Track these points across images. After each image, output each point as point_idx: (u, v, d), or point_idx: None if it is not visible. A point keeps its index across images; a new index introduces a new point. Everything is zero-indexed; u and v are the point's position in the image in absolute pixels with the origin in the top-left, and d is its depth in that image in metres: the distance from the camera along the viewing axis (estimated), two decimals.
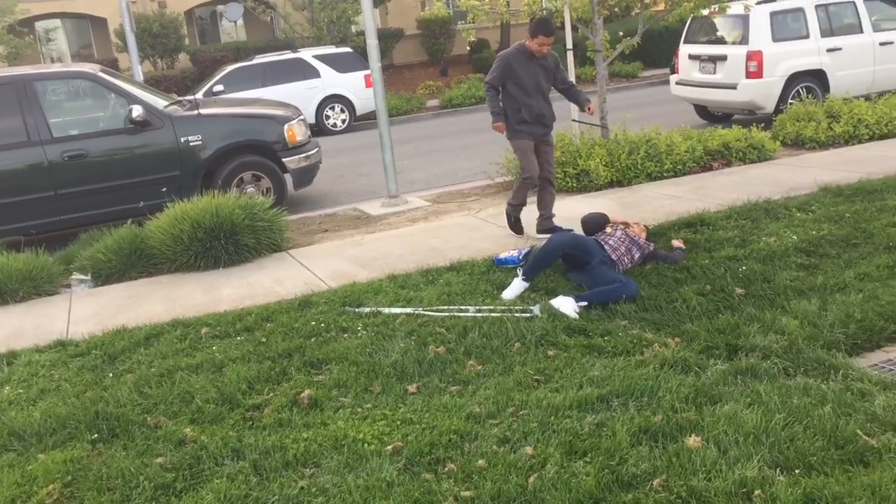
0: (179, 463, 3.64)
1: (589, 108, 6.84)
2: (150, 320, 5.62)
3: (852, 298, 4.84)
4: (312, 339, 4.90)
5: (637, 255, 5.70)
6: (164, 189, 8.30)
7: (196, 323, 5.41)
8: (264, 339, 4.97)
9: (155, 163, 8.47)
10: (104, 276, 6.92)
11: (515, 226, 7.05)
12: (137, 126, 8.38)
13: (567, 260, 5.58)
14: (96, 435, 4.01)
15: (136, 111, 8.29)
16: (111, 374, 4.71)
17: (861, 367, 4.13)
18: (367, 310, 5.30)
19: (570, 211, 7.73)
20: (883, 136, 9.64)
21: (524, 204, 6.99)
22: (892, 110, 9.89)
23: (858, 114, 9.77)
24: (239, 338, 5.08)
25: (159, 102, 8.93)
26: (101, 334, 5.41)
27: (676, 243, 6.02)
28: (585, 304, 5.00)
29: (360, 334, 4.91)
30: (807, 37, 11.31)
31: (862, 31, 11.54)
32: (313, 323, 5.14)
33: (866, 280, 5.14)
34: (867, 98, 10.65)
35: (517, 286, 5.36)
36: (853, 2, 11.69)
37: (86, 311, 6.12)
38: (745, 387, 3.87)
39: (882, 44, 11.58)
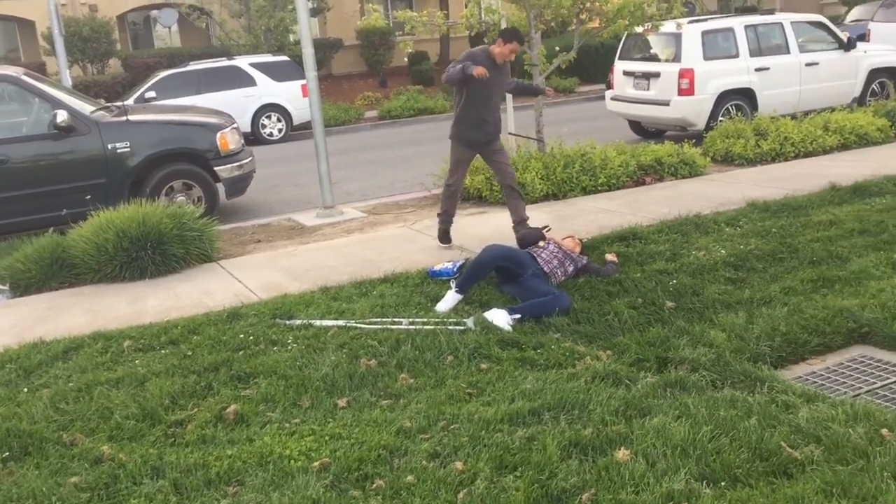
0: (95, 482, 3.49)
1: (548, 92, 6.92)
2: (70, 333, 5.41)
3: (777, 312, 4.94)
4: (240, 353, 4.78)
5: (570, 269, 5.73)
6: (89, 197, 8.03)
7: (118, 335, 5.22)
8: (190, 353, 4.83)
9: (80, 170, 8.20)
10: (23, 286, 6.65)
11: (443, 237, 7.05)
12: (62, 132, 8.11)
13: (500, 272, 5.58)
14: (7, 453, 3.82)
15: (61, 116, 8.02)
16: (26, 390, 4.51)
17: (786, 379, 4.21)
18: (298, 322, 5.21)
19: (506, 223, 7.76)
20: (808, 154, 9.94)
21: (449, 213, 6.98)
22: (817, 129, 10.21)
23: (785, 132, 10.06)
24: (163, 351, 4.92)
25: (86, 108, 8.66)
26: (17, 347, 5.18)
27: (609, 257, 6.08)
28: (519, 316, 4.99)
29: (290, 347, 4.81)
30: (736, 56, 11.62)
31: (789, 52, 11.91)
32: (242, 336, 5.02)
33: (791, 294, 5.26)
34: (793, 117, 10.97)
35: (451, 298, 5.33)
36: (780, 23, 12.07)
37: (2, 324, 5.86)
38: (674, 399, 3.90)
39: (808, 64, 11.97)
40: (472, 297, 5.46)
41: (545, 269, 5.55)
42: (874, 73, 12.62)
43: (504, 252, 5.55)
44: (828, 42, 12.36)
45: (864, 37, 15.05)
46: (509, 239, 6.78)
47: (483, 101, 6.60)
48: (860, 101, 12.46)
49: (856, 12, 21.80)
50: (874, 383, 4.24)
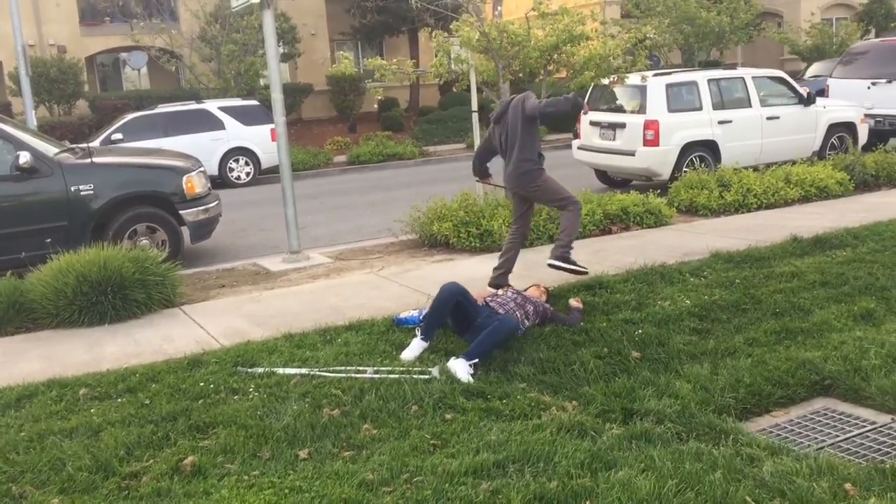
0: None
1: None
2: (25, 379, 5.26)
3: (741, 363, 4.97)
4: (200, 402, 4.68)
5: (531, 311, 5.71)
6: (49, 240, 7.89)
7: (74, 383, 5.09)
8: (148, 401, 4.71)
9: (41, 212, 8.07)
10: None
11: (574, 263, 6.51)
12: (24, 173, 8.00)
13: (457, 320, 5.50)
14: None
15: (23, 158, 7.91)
16: None
17: (750, 431, 4.22)
18: (260, 370, 5.13)
19: (472, 270, 7.77)
20: (769, 206, 10.12)
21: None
22: (778, 181, 10.42)
23: (747, 184, 10.24)
24: (120, 399, 4.80)
25: (49, 149, 8.56)
26: None
27: (574, 302, 6.10)
28: (476, 361, 4.97)
29: (251, 396, 4.73)
30: (700, 109, 11.87)
31: (751, 106, 12.20)
32: (202, 384, 4.93)
33: (755, 345, 5.30)
34: (755, 169, 11.19)
35: (416, 346, 5.29)
36: (742, 78, 12.39)
37: None
38: (639, 452, 3.87)
39: (769, 118, 12.26)
40: (438, 346, 5.42)
41: (500, 311, 5.54)
42: (833, 128, 12.96)
43: (461, 288, 5.52)
44: (788, 97, 12.69)
45: (823, 92, 15.48)
46: (479, 287, 6.77)
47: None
48: (820, 154, 12.77)
49: (815, 68, 22.48)
50: (837, 436, 4.26)
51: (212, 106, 17.31)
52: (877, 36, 26.61)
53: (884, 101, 14.50)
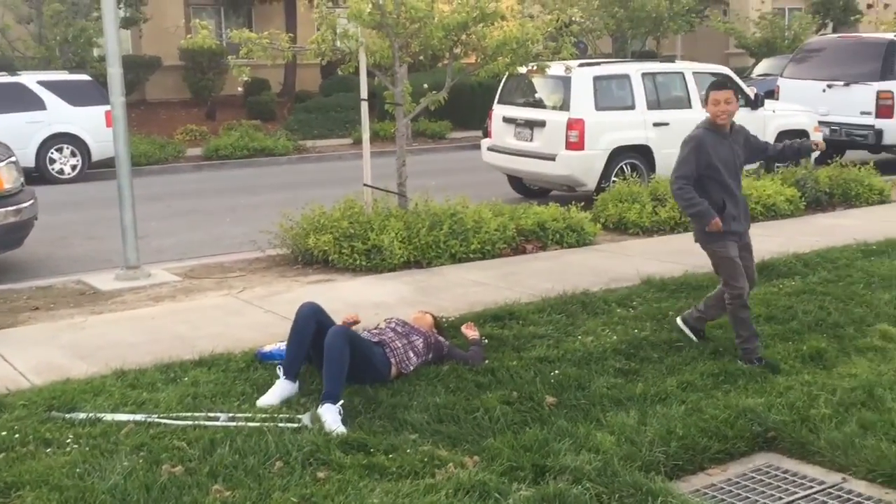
0: None
1: (816, 144, 6.64)
2: None
3: (674, 411, 5.13)
4: (1, 456, 4.52)
5: (420, 344, 5.74)
6: None
7: None
8: None
9: None
10: None
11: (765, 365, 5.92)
12: None
13: (319, 351, 5.49)
14: None
15: None
16: None
17: (682, 492, 4.35)
18: (82, 416, 4.99)
19: (357, 295, 7.77)
20: None
21: (752, 332, 6.03)
22: None
23: None
24: None
25: None
26: None
27: (467, 330, 6.20)
28: (341, 402, 5.00)
29: (69, 449, 4.60)
30: (632, 108, 12.24)
31: (690, 107, 12.60)
32: (4, 433, 4.76)
33: (689, 390, 5.48)
34: None
35: (279, 389, 5.24)
36: (682, 73, 12.83)
37: None
38: None
39: None
40: (312, 388, 5.39)
41: (374, 340, 5.57)
42: (783, 136, 13.49)
43: (318, 308, 5.54)
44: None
45: (772, 93, 16.23)
46: (363, 316, 6.77)
47: (730, 176, 6.11)
48: (768, 166, 13.35)
49: (764, 65, 23.56)
50: (780, 498, 4.44)
51: (29, 80, 16.73)
52: (834, 31, 28.20)
53: (840, 107, 15.27)
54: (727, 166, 5.99)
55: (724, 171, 5.98)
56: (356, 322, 5.92)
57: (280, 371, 5.37)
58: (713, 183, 6.01)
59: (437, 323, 6.29)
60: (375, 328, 5.95)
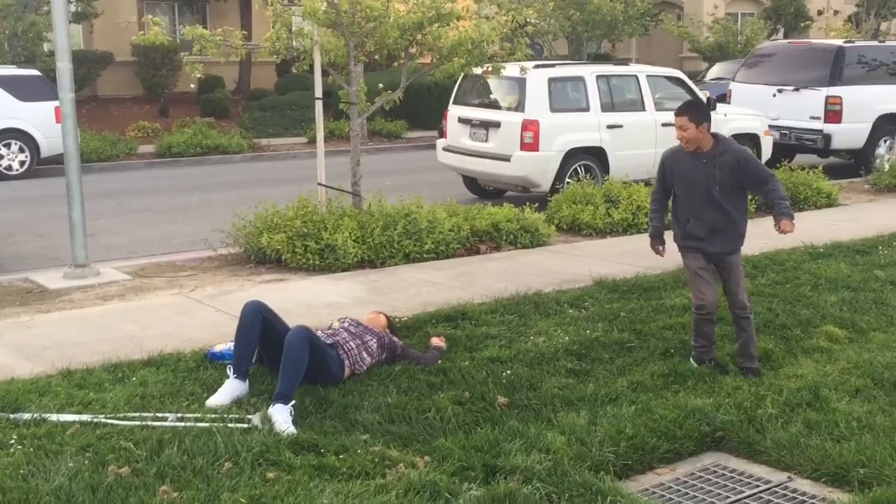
0: None
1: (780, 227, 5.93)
2: None
3: (624, 411, 5.18)
4: None
5: (373, 344, 5.73)
6: None
7: None
8: None
9: None
10: None
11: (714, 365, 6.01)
12: None
13: (269, 349, 5.46)
14: None
15: None
16: None
17: (631, 492, 4.40)
18: (26, 416, 4.92)
19: (309, 294, 7.74)
20: None
21: (709, 342, 6.05)
22: None
23: (638, 200, 10.71)
24: None
25: None
26: None
27: (435, 341, 6.17)
28: (293, 402, 4.98)
29: (12, 450, 4.53)
30: (587, 109, 12.33)
31: (644, 109, 12.77)
32: None
33: (640, 390, 5.54)
34: (647, 183, 11.71)
35: (229, 388, 5.22)
36: (636, 76, 12.97)
37: None
38: None
39: (664, 125, 12.83)
40: (262, 387, 5.36)
41: (328, 341, 5.55)
42: (734, 139, 13.73)
43: (264, 305, 5.52)
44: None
45: (724, 97, 16.44)
46: (316, 317, 6.74)
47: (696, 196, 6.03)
48: None
49: (716, 69, 23.87)
50: (727, 497, 4.51)
51: None
52: (785, 37, 28.64)
53: (790, 112, 15.52)
54: (694, 186, 5.95)
55: (689, 190, 5.99)
56: None
57: (230, 370, 5.34)
58: (677, 200, 6.13)
59: (391, 323, 6.29)
60: (329, 328, 5.93)
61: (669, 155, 6.17)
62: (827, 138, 15.15)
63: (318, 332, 5.72)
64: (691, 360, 6.01)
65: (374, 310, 6.47)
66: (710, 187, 5.88)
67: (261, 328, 5.40)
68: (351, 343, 5.62)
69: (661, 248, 6.35)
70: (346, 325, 5.88)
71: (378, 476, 4.35)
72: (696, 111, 5.93)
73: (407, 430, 4.93)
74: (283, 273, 8.60)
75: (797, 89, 15.58)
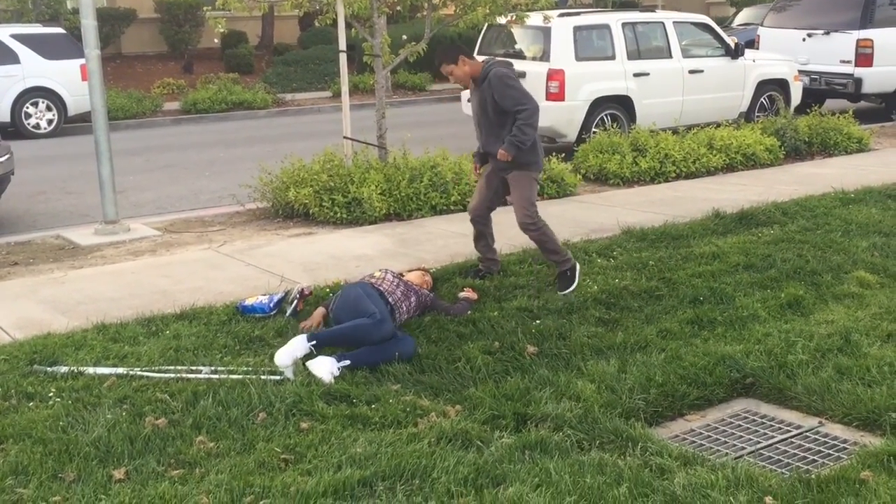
0: None
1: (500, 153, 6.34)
2: None
3: (654, 359, 5.19)
4: None
5: (413, 302, 5.77)
6: None
7: None
8: None
9: None
10: None
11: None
12: None
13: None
14: None
15: None
16: None
17: (661, 438, 4.41)
18: (64, 370, 5.00)
19: (337, 247, 7.77)
20: (689, 175, 10.55)
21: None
22: (701, 147, 10.86)
23: (665, 148, 10.63)
24: None
25: None
26: None
27: (465, 294, 6.17)
28: (348, 363, 4.98)
29: (51, 402, 4.62)
30: (612, 58, 12.19)
31: (671, 57, 12.62)
32: None
33: (669, 338, 5.53)
34: (675, 132, 11.63)
35: (298, 345, 5.04)
36: (662, 23, 12.78)
37: None
38: (533, 464, 3.99)
39: (692, 72, 12.73)
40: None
41: (389, 300, 5.56)
42: (763, 86, 13.60)
43: (367, 289, 5.54)
44: (713, 47, 13.21)
45: (752, 43, 16.19)
46: (344, 269, 6.78)
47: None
48: (748, 116, 13.38)
49: (744, 15, 23.48)
50: (758, 443, 4.51)
51: (2, 33, 16.47)
52: None
53: (820, 56, 15.29)
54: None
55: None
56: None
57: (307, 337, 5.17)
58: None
59: (434, 285, 6.34)
60: (379, 280, 5.81)
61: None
62: (858, 82, 14.92)
63: (374, 282, 5.72)
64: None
65: (418, 268, 6.46)
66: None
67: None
68: (402, 305, 5.64)
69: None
70: (391, 279, 5.79)
71: (410, 425, 4.39)
72: (446, 54, 6.55)
73: (437, 379, 4.97)
74: (310, 227, 8.64)
75: (827, 33, 15.33)
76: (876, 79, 14.93)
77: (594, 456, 4.09)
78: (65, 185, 11.40)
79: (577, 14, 12.85)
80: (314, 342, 5.04)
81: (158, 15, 24.87)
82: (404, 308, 5.65)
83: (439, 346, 5.37)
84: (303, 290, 6.01)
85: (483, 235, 6.79)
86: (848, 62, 14.95)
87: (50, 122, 16.44)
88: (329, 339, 5.16)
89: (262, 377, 4.85)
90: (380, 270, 6.02)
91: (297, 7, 9.29)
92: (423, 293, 5.93)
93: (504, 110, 6.31)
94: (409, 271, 6.30)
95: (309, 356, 5.02)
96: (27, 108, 16.23)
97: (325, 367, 4.89)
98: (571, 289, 6.21)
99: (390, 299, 5.57)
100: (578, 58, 11.96)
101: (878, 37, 14.77)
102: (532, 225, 6.45)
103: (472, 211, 6.75)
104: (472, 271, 6.76)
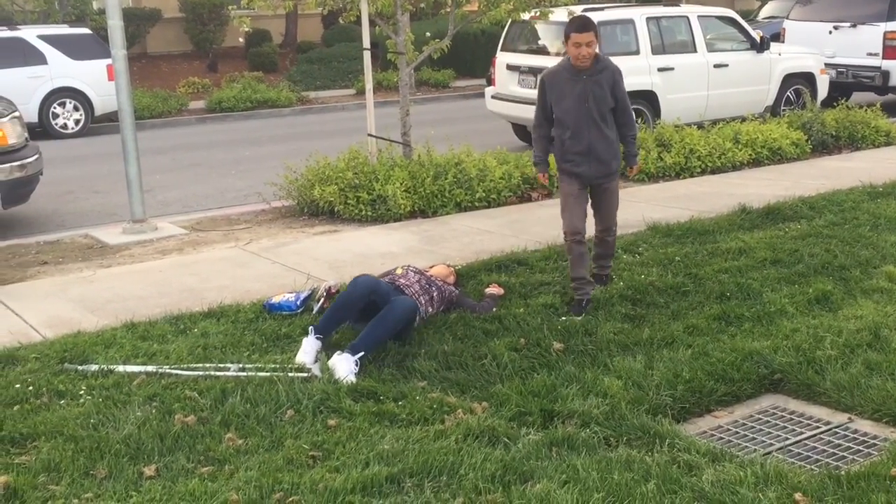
0: None
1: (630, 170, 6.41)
2: None
3: (680, 355, 5.17)
4: (16, 408, 4.57)
5: (436, 295, 5.77)
6: None
7: None
8: None
9: None
10: None
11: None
12: None
13: (364, 314, 5.48)
14: None
15: None
16: None
17: (689, 434, 4.40)
18: (94, 368, 5.04)
19: (362, 245, 7.79)
20: (715, 170, 10.49)
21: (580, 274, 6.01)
22: (726, 141, 10.79)
23: (690, 143, 10.57)
24: None
25: None
26: None
27: (491, 290, 6.17)
28: (362, 354, 5.00)
29: (82, 400, 4.65)
30: (637, 53, 12.14)
31: (696, 51, 12.55)
32: (18, 386, 4.81)
33: (696, 334, 5.51)
34: (700, 126, 11.56)
35: (309, 347, 5.15)
36: (686, 17, 12.71)
37: None
38: (560, 461, 3.99)
39: (716, 66, 12.65)
40: (338, 341, 5.38)
41: (406, 293, 5.57)
42: (789, 79, 13.50)
43: (374, 282, 5.52)
44: (739, 41, 13.12)
45: (778, 36, 16.07)
46: (370, 266, 6.79)
47: (573, 116, 6.05)
48: (773, 110, 13.29)
49: (769, 8, 23.27)
50: (787, 439, 4.49)
51: (29, 34, 16.62)
52: None
53: (847, 49, 15.15)
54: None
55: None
56: None
57: (311, 329, 5.26)
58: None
59: (456, 275, 6.35)
60: (391, 274, 5.88)
61: (548, 74, 6.20)
62: (885, 75, 14.77)
63: (394, 278, 5.75)
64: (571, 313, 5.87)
65: (440, 262, 6.47)
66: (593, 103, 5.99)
67: (363, 308, 5.38)
68: (422, 298, 5.65)
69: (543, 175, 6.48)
70: (411, 275, 5.83)
71: (437, 422, 4.40)
72: (595, 26, 6.15)
73: (464, 376, 4.97)
74: (336, 224, 8.67)
75: (854, 25, 15.18)
76: None
77: (621, 452, 4.08)
78: (92, 185, 11.49)
79: (601, 9, 12.78)
80: (360, 353, 4.98)
81: (183, 14, 25.02)
82: (423, 301, 5.66)
83: (465, 343, 5.37)
84: (329, 287, 6.03)
85: (586, 253, 6.13)
86: (875, 55, 14.81)
87: (77, 122, 16.58)
88: (369, 347, 5.09)
89: (290, 374, 4.86)
90: (401, 267, 6.04)
91: (321, 5, 9.32)
92: (447, 288, 5.93)
93: (609, 108, 6.07)
94: (432, 267, 6.31)
95: (328, 351, 5.08)
96: (54, 108, 16.38)
97: (345, 368, 4.90)
98: (580, 318, 5.81)
99: (407, 292, 5.59)
100: (603, 53, 11.88)
101: None
102: (616, 230, 6.41)
103: (575, 229, 5.98)
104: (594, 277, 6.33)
